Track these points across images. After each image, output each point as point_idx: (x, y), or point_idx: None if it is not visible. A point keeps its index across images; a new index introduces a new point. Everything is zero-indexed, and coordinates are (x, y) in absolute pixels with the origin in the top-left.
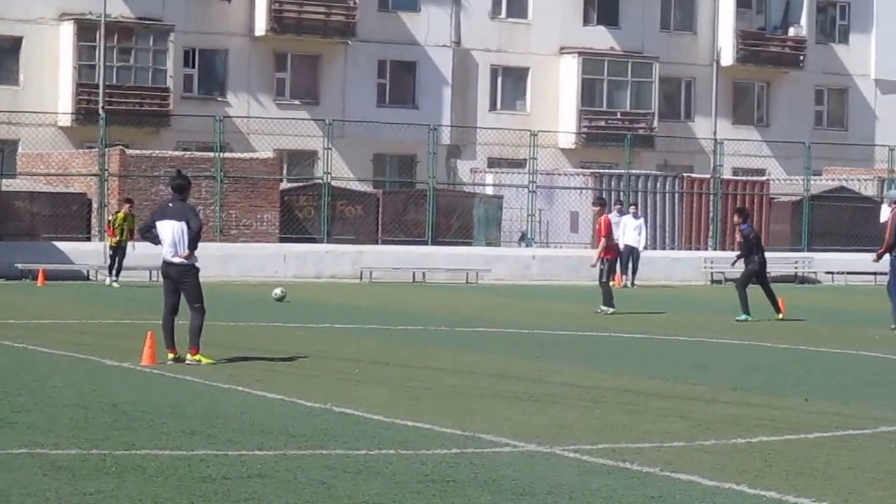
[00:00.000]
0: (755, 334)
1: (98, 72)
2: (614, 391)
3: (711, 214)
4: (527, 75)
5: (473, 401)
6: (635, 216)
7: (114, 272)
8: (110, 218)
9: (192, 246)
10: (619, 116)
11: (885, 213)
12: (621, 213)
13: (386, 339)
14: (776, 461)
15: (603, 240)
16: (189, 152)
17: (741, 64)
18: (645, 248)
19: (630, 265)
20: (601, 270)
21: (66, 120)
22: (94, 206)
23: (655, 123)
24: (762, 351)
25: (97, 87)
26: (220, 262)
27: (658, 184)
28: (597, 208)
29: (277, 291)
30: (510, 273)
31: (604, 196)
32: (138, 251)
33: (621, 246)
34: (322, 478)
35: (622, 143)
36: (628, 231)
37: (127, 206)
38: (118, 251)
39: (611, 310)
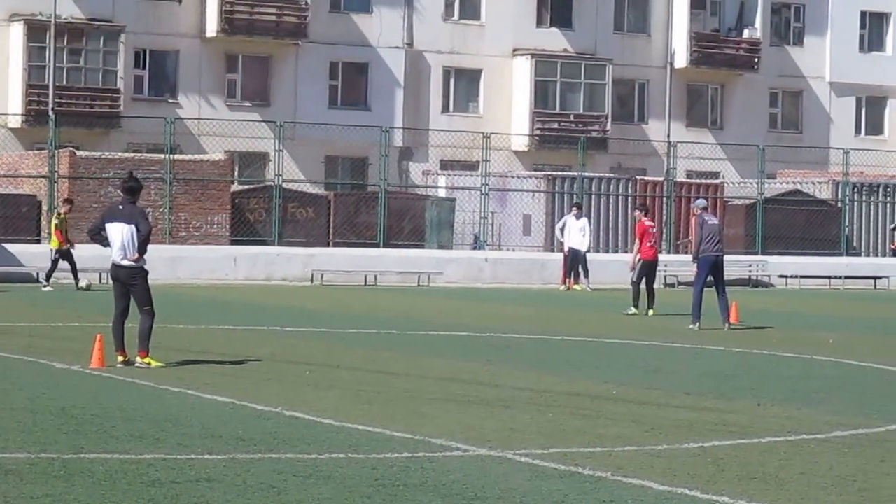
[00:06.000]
0: (708, 338)
1: (48, 73)
2: (566, 395)
3: (665, 217)
4: (479, 77)
5: (424, 405)
6: (578, 217)
7: (75, 276)
8: (56, 221)
9: (142, 249)
10: (572, 118)
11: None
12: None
13: (337, 343)
14: (728, 466)
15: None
16: (139, 154)
17: (695, 66)
18: (588, 250)
19: (581, 268)
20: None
21: (15, 121)
22: (44, 207)
23: (609, 126)
24: (715, 355)
25: (47, 88)
26: (169, 264)
27: (611, 186)
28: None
29: (84, 282)
30: (462, 276)
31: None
32: (89, 252)
33: (566, 248)
34: (272, 482)
35: (575, 145)
36: (573, 233)
37: (67, 206)
38: (69, 254)
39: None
